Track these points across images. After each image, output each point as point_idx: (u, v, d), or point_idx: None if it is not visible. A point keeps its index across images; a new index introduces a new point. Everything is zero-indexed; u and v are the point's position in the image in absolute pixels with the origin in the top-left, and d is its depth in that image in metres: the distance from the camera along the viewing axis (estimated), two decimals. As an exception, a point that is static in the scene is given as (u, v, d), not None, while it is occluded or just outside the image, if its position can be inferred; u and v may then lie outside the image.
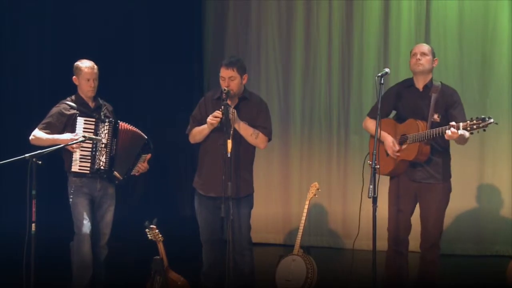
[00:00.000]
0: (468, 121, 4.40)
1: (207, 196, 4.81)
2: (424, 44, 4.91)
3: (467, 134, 4.50)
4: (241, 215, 4.76)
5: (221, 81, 4.72)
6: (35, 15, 8.02)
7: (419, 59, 4.72)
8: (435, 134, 4.54)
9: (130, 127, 5.09)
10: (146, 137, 5.10)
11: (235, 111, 4.64)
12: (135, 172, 5.09)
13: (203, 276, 4.91)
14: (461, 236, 7.00)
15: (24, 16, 7.89)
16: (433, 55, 4.80)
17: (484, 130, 4.41)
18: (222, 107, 4.56)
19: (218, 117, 4.56)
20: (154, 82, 8.34)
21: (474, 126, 4.36)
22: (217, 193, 4.60)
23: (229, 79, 4.67)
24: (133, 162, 5.07)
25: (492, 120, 4.34)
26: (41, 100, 7.71)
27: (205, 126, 4.73)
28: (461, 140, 4.59)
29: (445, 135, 4.45)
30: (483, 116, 4.38)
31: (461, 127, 4.38)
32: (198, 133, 4.83)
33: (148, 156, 5.11)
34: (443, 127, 4.49)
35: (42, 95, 7.97)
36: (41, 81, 8.25)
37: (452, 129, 4.39)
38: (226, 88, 4.62)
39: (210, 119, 4.62)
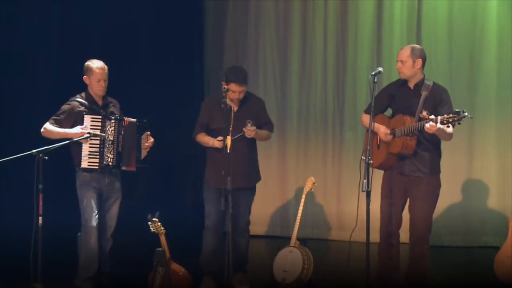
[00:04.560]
0: (445, 115, 4.39)
1: (214, 187, 5.05)
2: (405, 49, 4.78)
3: (449, 129, 4.48)
4: (248, 201, 5.28)
5: (231, 94, 5.02)
6: (43, 16, 7.96)
7: (399, 67, 4.75)
8: (417, 128, 4.55)
9: (130, 120, 5.08)
10: (135, 120, 5.08)
11: (254, 128, 5.05)
12: (144, 154, 5.09)
13: (204, 262, 5.20)
14: (450, 228, 7.03)
15: (32, 18, 7.83)
16: (415, 57, 4.73)
17: (459, 124, 4.41)
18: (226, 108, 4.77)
19: (221, 144, 4.96)
20: (156, 82, 8.26)
21: (450, 120, 4.36)
22: (223, 184, 4.68)
23: (240, 93, 5.07)
24: (138, 149, 5.07)
25: (466, 114, 4.33)
26: (47, 98, 7.67)
27: (208, 142, 5.14)
28: (444, 135, 4.58)
29: (424, 128, 4.46)
30: (457, 110, 4.38)
31: (438, 121, 4.39)
32: (202, 142, 5.25)
33: (148, 133, 5.10)
34: (424, 121, 4.49)
35: (48, 93, 7.91)
36: (47, 79, 8.16)
37: (430, 122, 4.39)
38: (225, 87, 4.80)
39: (214, 144, 5.05)
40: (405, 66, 4.72)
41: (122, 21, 8.14)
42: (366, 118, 4.92)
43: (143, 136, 5.08)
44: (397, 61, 4.78)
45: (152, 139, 5.11)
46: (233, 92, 5.03)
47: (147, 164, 5.12)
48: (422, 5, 7.14)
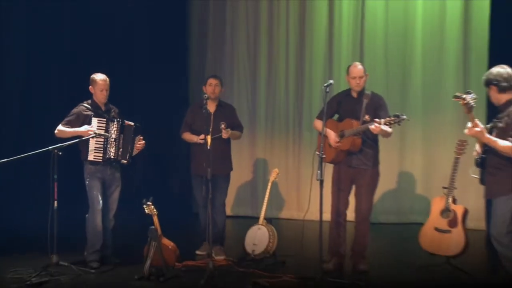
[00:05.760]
0: (387, 118, 4.47)
1: (199, 174, 5.17)
2: (360, 67, 4.84)
3: (389, 129, 4.57)
4: (224, 186, 5.41)
5: (208, 87, 5.30)
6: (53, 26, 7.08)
7: (358, 83, 4.79)
8: (363, 129, 4.63)
9: (129, 123, 5.08)
10: (133, 124, 5.09)
11: (229, 130, 5.23)
12: (135, 152, 5.10)
13: (202, 231, 5.29)
14: (386, 209, 7.11)
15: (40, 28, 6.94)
16: (366, 72, 4.86)
17: (399, 125, 4.49)
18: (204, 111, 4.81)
19: (202, 140, 5.12)
20: (146, 85, 7.68)
21: (392, 122, 4.45)
22: (204, 172, 4.76)
23: (215, 85, 5.34)
24: (131, 147, 5.07)
25: (405, 117, 4.44)
26: (59, 105, 7.21)
27: (193, 138, 5.30)
28: (385, 134, 4.66)
29: (370, 129, 4.54)
30: (397, 114, 4.46)
31: (382, 123, 4.47)
32: (187, 139, 5.41)
33: (140, 137, 5.11)
34: (369, 123, 4.56)
35: (60, 100, 7.42)
36: (48, 85, 7.33)
37: (375, 124, 4.48)
38: (206, 95, 4.98)
39: (198, 140, 5.22)
40: (362, 80, 4.79)
41: (112, 26, 7.45)
42: (318, 123, 4.96)
43: (137, 138, 5.10)
44: (353, 78, 4.79)
45: (143, 142, 5.13)
46: (210, 85, 5.31)
47: (134, 160, 5.14)
48: (364, 31, 7.20)
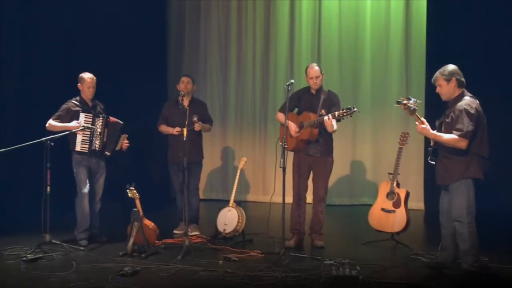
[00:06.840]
0: (340, 111, 4.57)
1: (175, 163, 5.20)
2: (317, 68, 4.88)
3: (335, 127, 4.65)
4: (197, 172, 5.48)
5: (181, 84, 5.34)
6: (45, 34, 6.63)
7: (315, 82, 4.87)
8: (319, 121, 4.71)
9: (115, 119, 5.11)
10: (122, 122, 5.12)
11: (201, 123, 5.28)
12: (118, 147, 5.12)
13: (179, 211, 5.41)
14: (339, 192, 7.23)
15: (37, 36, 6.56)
16: (321, 72, 4.94)
17: (351, 116, 4.59)
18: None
19: (178, 132, 5.19)
20: (131, 85, 7.42)
21: (345, 114, 4.54)
22: (180, 160, 4.83)
23: (187, 82, 5.40)
24: (116, 142, 5.09)
25: (355, 109, 4.54)
26: (50, 102, 6.77)
27: (169, 130, 5.36)
28: (331, 129, 4.70)
29: (324, 122, 4.65)
30: (349, 107, 4.56)
31: (336, 115, 4.56)
32: (164, 131, 5.46)
33: (125, 135, 5.15)
34: (324, 116, 4.65)
35: (50, 97, 6.84)
36: (46, 86, 6.67)
37: (329, 115, 4.59)
38: (182, 92, 5.03)
39: (174, 131, 5.31)
40: (319, 79, 4.86)
41: (107, 28, 7.02)
42: (280, 115, 5.03)
43: (122, 136, 5.11)
44: (311, 78, 4.85)
45: (128, 142, 5.13)
46: (182, 82, 5.38)
47: (115, 154, 5.17)
48: (321, 38, 7.30)
